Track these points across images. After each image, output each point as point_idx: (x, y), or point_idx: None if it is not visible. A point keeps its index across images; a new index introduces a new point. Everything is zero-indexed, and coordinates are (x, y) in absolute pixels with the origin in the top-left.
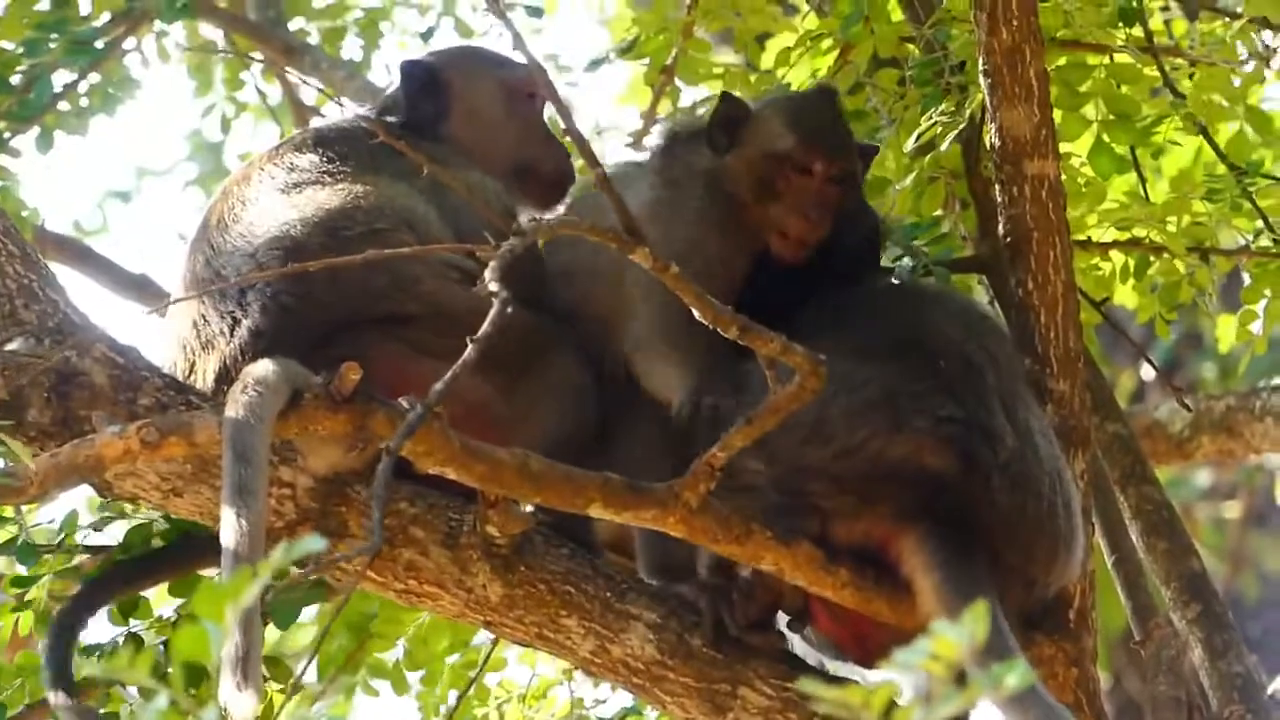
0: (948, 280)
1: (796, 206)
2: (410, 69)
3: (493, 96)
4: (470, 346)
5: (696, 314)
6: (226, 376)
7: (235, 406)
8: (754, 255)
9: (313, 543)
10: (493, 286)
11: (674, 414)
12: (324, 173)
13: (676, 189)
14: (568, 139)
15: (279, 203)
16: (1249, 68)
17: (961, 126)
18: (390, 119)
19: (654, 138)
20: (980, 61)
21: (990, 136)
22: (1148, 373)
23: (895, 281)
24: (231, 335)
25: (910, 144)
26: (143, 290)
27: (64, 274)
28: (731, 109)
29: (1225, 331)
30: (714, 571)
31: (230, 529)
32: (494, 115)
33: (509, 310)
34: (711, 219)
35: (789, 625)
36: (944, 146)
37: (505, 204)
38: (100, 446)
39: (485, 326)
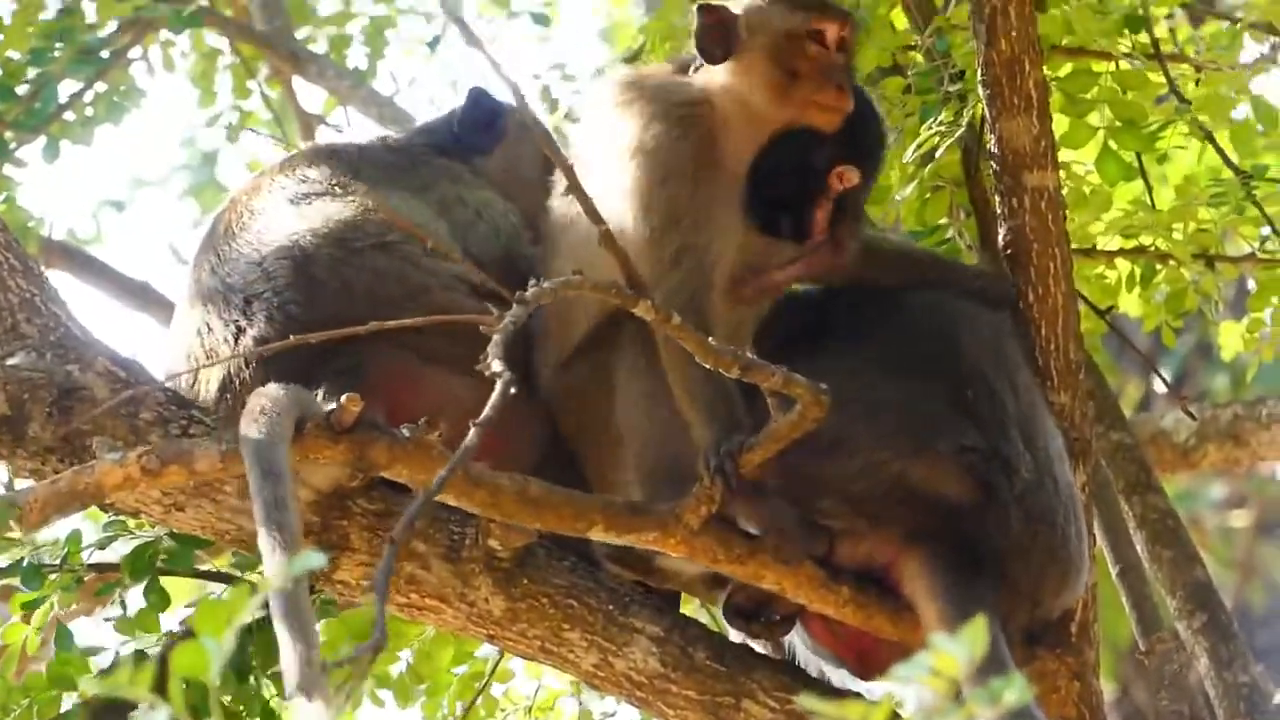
0: None
1: (824, 76)
2: (478, 97)
3: (534, 162)
4: (473, 431)
5: (698, 359)
6: (230, 386)
7: (254, 427)
8: (738, 187)
9: (314, 559)
10: (496, 367)
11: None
12: (335, 185)
13: (659, 134)
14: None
15: (288, 213)
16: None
17: (960, 134)
18: (437, 134)
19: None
20: (979, 72)
21: (989, 147)
22: (1157, 382)
23: (928, 294)
24: (236, 344)
25: (911, 152)
26: (144, 298)
27: (67, 282)
28: (718, 15)
29: (1229, 339)
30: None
31: (270, 544)
32: (528, 175)
33: (513, 391)
34: (703, 161)
35: (777, 626)
36: (940, 154)
37: (512, 223)
38: (100, 474)
39: (487, 411)
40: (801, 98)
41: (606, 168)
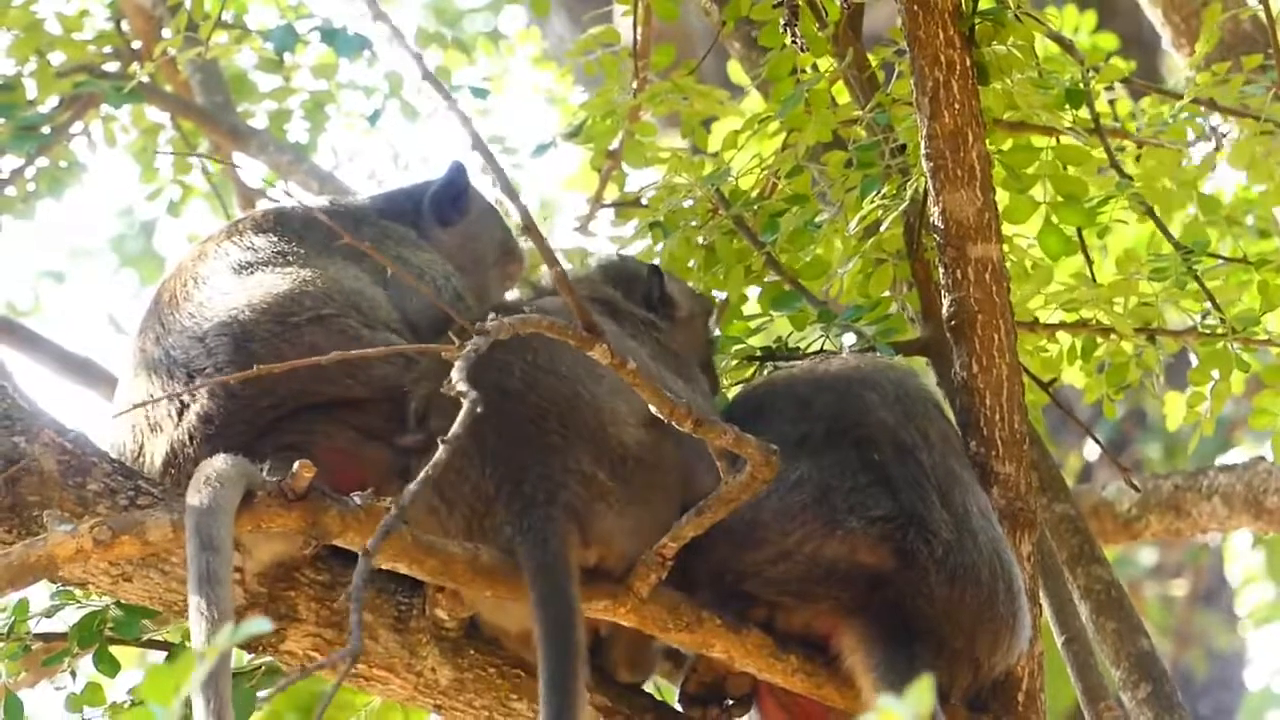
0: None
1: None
2: (458, 170)
3: (491, 240)
4: (441, 448)
5: (653, 409)
6: (174, 460)
7: (198, 497)
8: None
9: (258, 625)
10: (461, 387)
11: None
12: (277, 254)
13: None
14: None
15: (230, 284)
16: (1196, 150)
17: (903, 207)
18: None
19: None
20: (922, 145)
21: (933, 219)
22: (1093, 451)
23: (825, 362)
24: (180, 419)
25: (853, 226)
26: (87, 373)
27: (8, 355)
28: (663, 283)
29: (1173, 409)
30: None
31: (199, 617)
32: (484, 255)
33: (479, 410)
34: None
35: (732, 710)
36: (883, 227)
37: (455, 287)
38: (52, 546)
39: (455, 428)
40: None
41: None
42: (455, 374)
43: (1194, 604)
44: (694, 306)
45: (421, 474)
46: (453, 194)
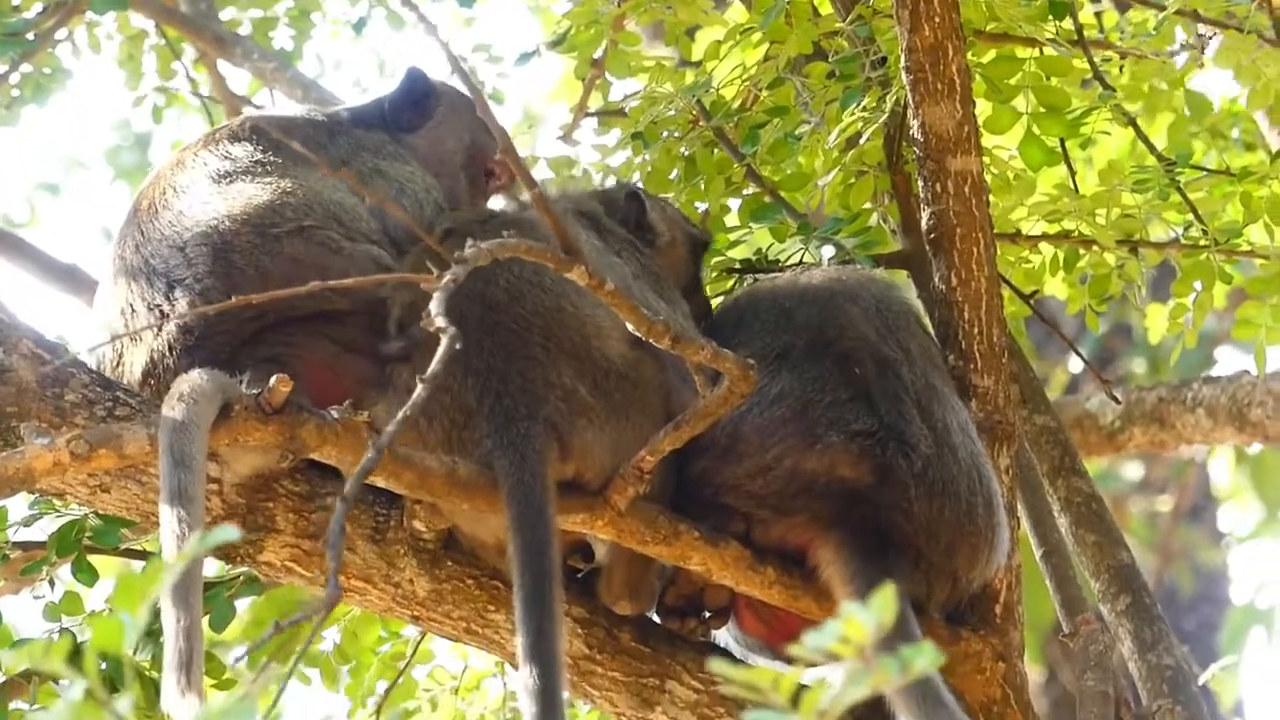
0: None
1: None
2: (414, 77)
3: (459, 142)
4: (420, 386)
5: (631, 327)
6: (153, 371)
7: (172, 412)
8: None
9: (227, 533)
10: (439, 321)
11: None
12: (256, 163)
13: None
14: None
15: (210, 193)
16: (1180, 58)
17: (883, 120)
18: (365, 108)
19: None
20: (902, 58)
21: (913, 132)
22: (1078, 366)
23: (807, 274)
24: (160, 329)
25: (834, 138)
26: (73, 280)
27: None
28: (642, 209)
29: (1155, 322)
30: None
31: (170, 534)
32: (453, 156)
33: (458, 346)
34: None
35: (710, 621)
36: (863, 139)
37: (436, 200)
38: (30, 459)
39: (435, 364)
40: None
41: None
42: (434, 306)
43: (1179, 520)
44: (676, 234)
45: (400, 414)
46: (411, 101)
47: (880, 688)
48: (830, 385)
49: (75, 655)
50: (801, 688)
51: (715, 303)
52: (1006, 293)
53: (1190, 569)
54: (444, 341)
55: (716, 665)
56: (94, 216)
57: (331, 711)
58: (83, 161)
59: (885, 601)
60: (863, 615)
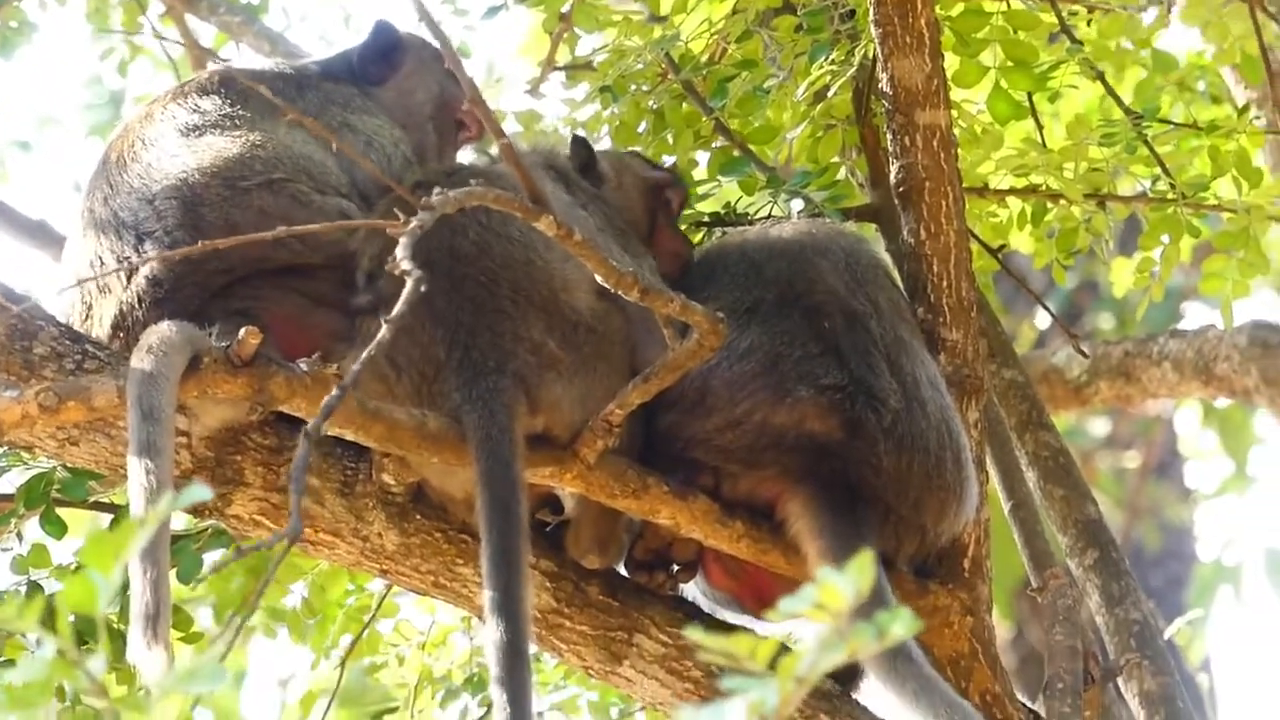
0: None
1: (671, 226)
2: (382, 29)
3: (427, 94)
4: (384, 327)
5: (599, 279)
6: (123, 323)
7: (140, 364)
8: None
9: (199, 492)
10: (405, 265)
11: None
12: (225, 116)
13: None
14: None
15: (179, 146)
16: (1148, 15)
17: (851, 73)
18: (333, 61)
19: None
20: (871, 11)
21: (882, 86)
22: (1046, 321)
23: (777, 227)
24: (129, 281)
25: (802, 91)
26: (41, 236)
27: None
28: (586, 153)
29: (1121, 276)
30: None
31: (138, 487)
32: (419, 112)
33: (423, 289)
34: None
35: (678, 575)
36: (831, 93)
37: (404, 153)
38: None
39: (399, 306)
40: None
41: None
42: (400, 250)
43: (1146, 476)
44: (625, 178)
45: (364, 353)
46: (377, 53)
47: (856, 655)
48: (799, 339)
49: (46, 612)
50: (781, 649)
51: None
52: (975, 247)
53: (1157, 525)
54: (408, 284)
55: (693, 632)
56: (66, 173)
57: (296, 667)
58: (56, 120)
59: (863, 567)
60: (840, 582)
